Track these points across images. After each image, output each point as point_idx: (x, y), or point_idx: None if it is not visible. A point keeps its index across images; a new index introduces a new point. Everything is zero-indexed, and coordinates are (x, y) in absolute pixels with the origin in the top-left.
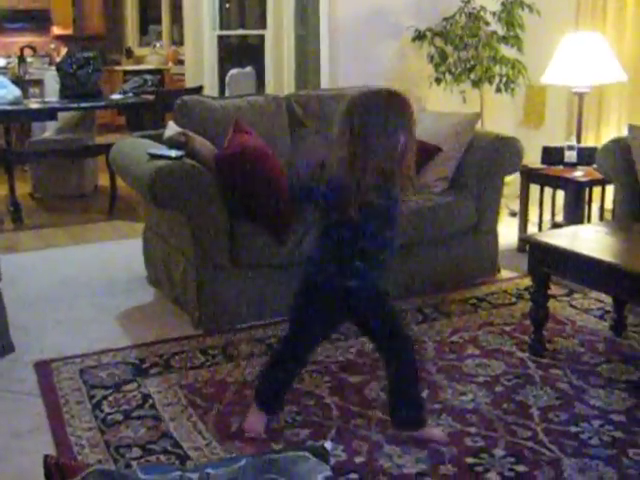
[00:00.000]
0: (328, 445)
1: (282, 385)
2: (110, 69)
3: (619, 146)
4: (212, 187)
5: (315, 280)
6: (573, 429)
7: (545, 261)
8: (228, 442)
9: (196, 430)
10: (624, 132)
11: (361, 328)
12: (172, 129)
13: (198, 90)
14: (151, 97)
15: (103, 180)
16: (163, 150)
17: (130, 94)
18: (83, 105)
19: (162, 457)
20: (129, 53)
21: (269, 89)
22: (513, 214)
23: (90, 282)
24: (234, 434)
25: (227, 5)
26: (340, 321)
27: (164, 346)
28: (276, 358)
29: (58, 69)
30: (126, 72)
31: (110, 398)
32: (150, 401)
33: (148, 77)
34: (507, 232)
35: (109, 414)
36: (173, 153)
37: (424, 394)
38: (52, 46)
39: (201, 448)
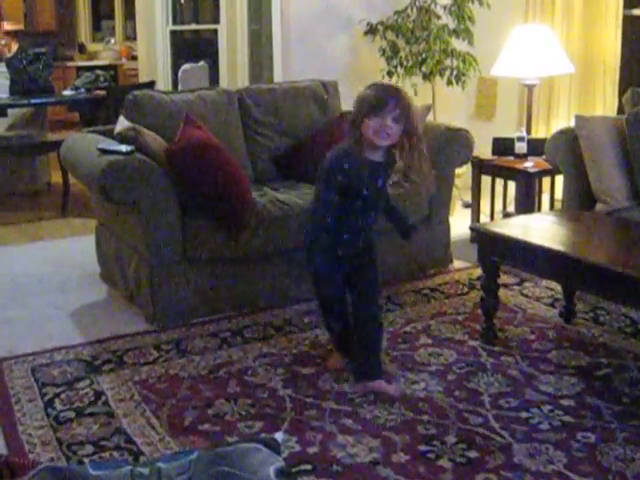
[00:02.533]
0: (279, 436)
1: (337, 334)
2: (63, 65)
3: (567, 137)
4: (163, 182)
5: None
6: (523, 415)
7: (494, 250)
8: (182, 437)
9: (150, 425)
10: (573, 123)
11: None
12: (122, 124)
13: (150, 85)
14: (103, 93)
15: (56, 177)
16: (113, 145)
17: (82, 90)
18: (33, 101)
19: (115, 453)
20: (82, 49)
21: (223, 84)
22: (467, 205)
23: (42, 280)
24: (188, 428)
25: (181, 0)
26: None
27: (117, 342)
28: (321, 309)
29: (8, 65)
30: (79, 68)
31: (62, 396)
32: (103, 398)
33: (100, 73)
34: (461, 223)
35: (61, 412)
36: (123, 148)
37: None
38: (3, 42)
39: (154, 443)
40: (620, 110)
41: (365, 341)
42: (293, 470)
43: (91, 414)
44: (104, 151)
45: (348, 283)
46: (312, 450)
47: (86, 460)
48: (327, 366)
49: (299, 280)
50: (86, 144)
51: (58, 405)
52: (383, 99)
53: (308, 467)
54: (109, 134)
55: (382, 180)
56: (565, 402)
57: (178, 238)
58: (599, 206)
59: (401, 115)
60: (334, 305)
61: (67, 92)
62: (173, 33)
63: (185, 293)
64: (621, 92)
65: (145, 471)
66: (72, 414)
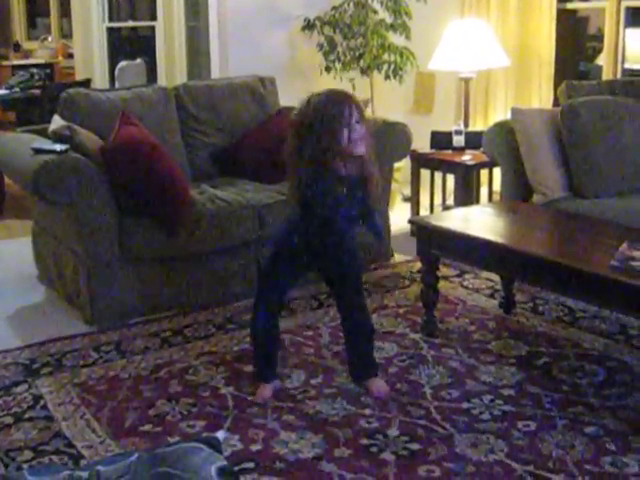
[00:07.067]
0: (220, 435)
1: (266, 351)
2: None
3: (503, 129)
4: (98, 181)
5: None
6: (465, 405)
7: (433, 243)
8: (123, 438)
9: (90, 428)
10: (509, 115)
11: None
12: (57, 123)
13: (86, 83)
14: (38, 92)
15: None
16: (47, 144)
17: (16, 89)
18: None
19: (55, 458)
20: (17, 47)
21: (161, 81)
22: (407, 199)
23: None
24: (128, 430)
25: None
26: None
27: (56, 345)
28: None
29: None
30: (15, 67)
31: (0, 401)
32: (42, 402)
33: (35, 71)
34: (401, 217)
35: None
36: (58, 147)
37: (320, 378)
38: None
39: (95, 446)
40: (556, 102)
41: (357, 344)
42: (236, 468)
43: (30, 419)
44: (38, 150)
45: (334, 293)
46: (255, 447)
47: (25, 466)
48: (256, 398)
49: (239, 277)
50: (20, 144)
51: None
52: (342, 106)
53: (251, 465)
54: (44, 133)
55: (361, 192)
56: (505, 392)
57: (115, 237)
58: (536, 197)
59: (361, 116)
60: (265, 295)
61: (0, 92)
62: (110, 30)
63: (124, 293)
64: (556, 85)
65: (84, 475)
66: (10, 419)
